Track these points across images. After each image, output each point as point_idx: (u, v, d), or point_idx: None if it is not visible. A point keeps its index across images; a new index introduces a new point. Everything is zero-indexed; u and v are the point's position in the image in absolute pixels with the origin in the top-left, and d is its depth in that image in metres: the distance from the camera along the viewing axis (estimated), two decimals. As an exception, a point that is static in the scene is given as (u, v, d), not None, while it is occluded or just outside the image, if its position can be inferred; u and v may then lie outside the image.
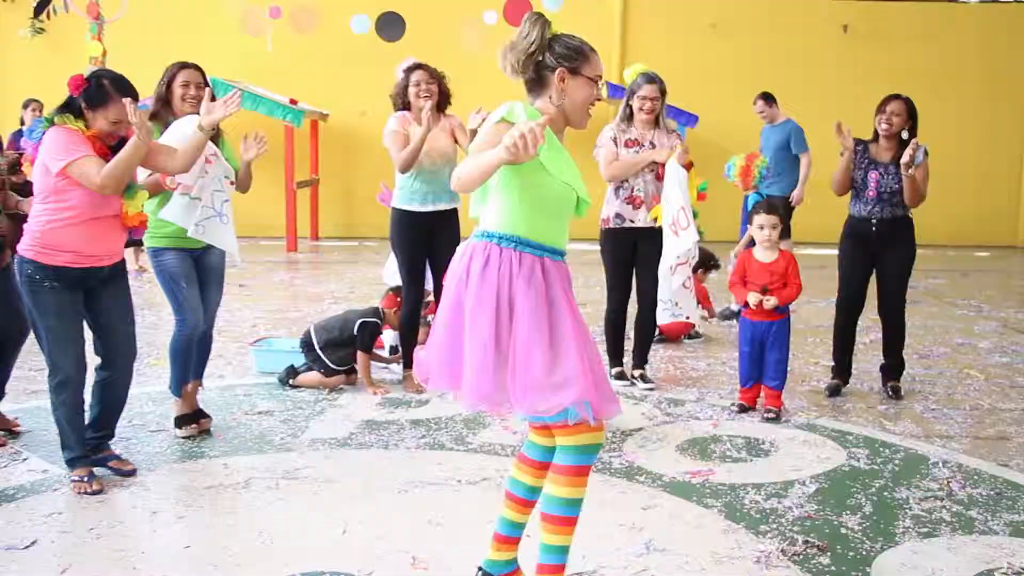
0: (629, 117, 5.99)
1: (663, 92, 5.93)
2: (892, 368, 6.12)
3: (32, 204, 4.25)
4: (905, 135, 5.79)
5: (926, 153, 5.71)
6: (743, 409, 5.64)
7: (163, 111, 4.90)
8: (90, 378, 4.40)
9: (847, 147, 5.80)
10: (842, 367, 6.13)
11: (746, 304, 5.54)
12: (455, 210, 5.96)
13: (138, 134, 3.98)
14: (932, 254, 13.83)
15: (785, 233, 9.81)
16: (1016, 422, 5.58)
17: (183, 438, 5.00)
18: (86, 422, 4.41)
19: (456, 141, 5.96)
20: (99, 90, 4.11)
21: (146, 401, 5.68)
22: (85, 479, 4.25)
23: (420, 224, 5.89)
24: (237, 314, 8.49)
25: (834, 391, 6.06)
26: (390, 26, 9.89)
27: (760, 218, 5.55)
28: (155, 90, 4.96)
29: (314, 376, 6.08)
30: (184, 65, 4.95)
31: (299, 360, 6.27)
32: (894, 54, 15.01)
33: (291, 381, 6.10)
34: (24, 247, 4.14)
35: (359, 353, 6.13)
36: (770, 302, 5.44)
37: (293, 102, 12.93)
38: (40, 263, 4.09)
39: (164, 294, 5.00)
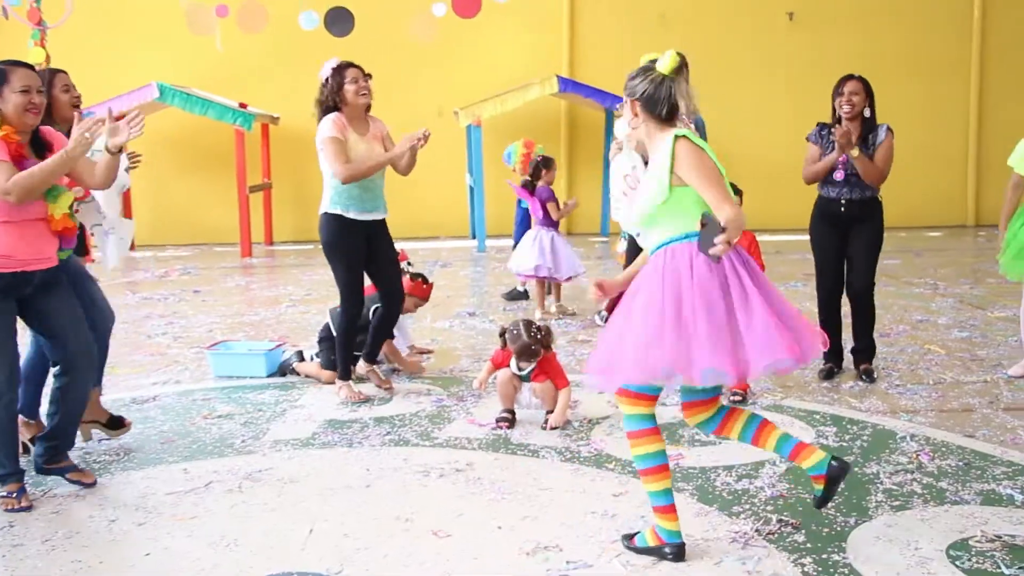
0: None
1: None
2: (863, 351, 6.04)
3: None
4: (867, 113, 5.73)
5: (890, 131, 5.73)
6: (709, 393, 5.58)
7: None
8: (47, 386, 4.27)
9: (854, 156, 5.63)
10: (833, 350, 6.00)
11: None
12: (385, 220, 5.78)
13: (74, 147, 3.86)
14: (886, 236, 13.92)
15: None
16: (979, 394, 5.58)
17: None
18: (44, 431, 4.28)
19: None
20: None
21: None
22: (14, 495, 4.07)
23: (359, 231, 5.64)
24: (193, 319, 8.32)
25: (828, 375, 5.96)
26: (339, 21, 9.74)
27: None
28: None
29: (311, 366, 6.09)
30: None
31: (257, 363, 6.15)
32: (839, 39, 15.09)
33: (293, 366, 6.10)
34: None
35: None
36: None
37: (243, 106, 12.74)
38: None
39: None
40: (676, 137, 3.40)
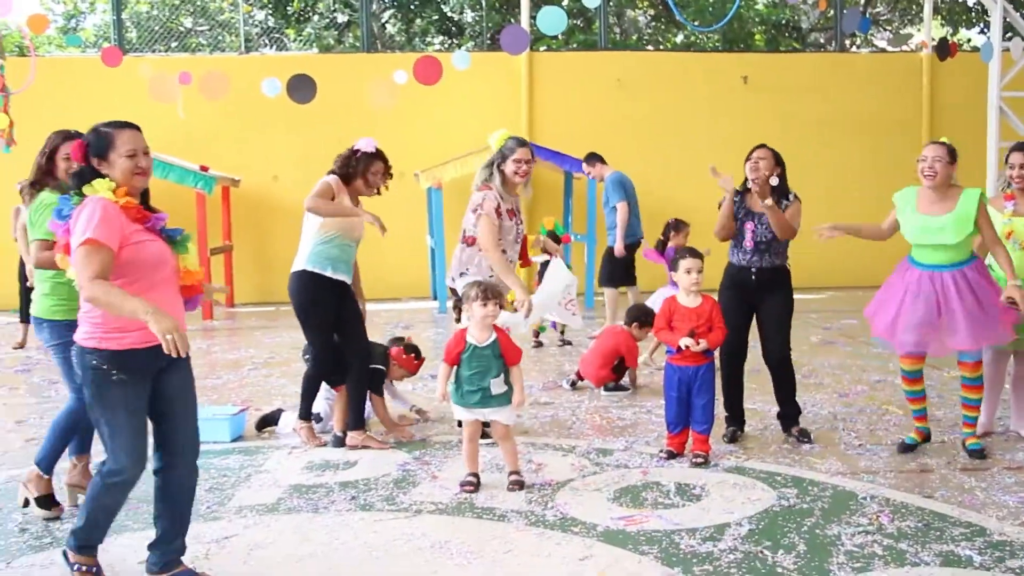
0: None
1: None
2: (789, 416, 6.08)
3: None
4: (775, 181, 5.80)
5: (797, 198, 5.84)
6: (671, 455, 5.63)
7: (44, 180, 4.84)
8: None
9: (726, 189, 5.78)
10: (735, 414, 6.10)
11: (679, 348, 5.55)
12: (348, 284, 5.96)
13: (155, 325, 3.38)
14: (844, 295, 14.16)
15: (624, 281, 10.06)
16: (936, 454, 5.68)
17: (48, 519, 4.76)
18: (156, 536, 3.95)
19: None
20: (99, 136, 3.71)
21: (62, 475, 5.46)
22: (93, 570, 3.90)
23: (331, 289, 5.83)
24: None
25: (732, 438, 6.01)
26: (301, 88, 9.83)
27: (687, 262, 5.60)
28: (36, 160, 4.88)
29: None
30: (67, 136, 4.86)
31: (219, 428, 6.14)
32: (790, 103, 15.46)
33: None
34: (83, 336, 3.66)
35: (373, 396, 6.22)
36: (702, 345, 5.48)
37: (204, 169, 12.76)
38: (105, 351, 3.61)
39: (63, 368, 4.76)
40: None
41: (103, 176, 3.68)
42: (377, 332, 6.01)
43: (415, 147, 14.01)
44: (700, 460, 5.51)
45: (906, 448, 5.71)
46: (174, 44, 16.82)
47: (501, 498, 4.97)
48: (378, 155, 5.88)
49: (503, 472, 5.27)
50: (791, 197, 5.86)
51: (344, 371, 5.97)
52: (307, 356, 6.32)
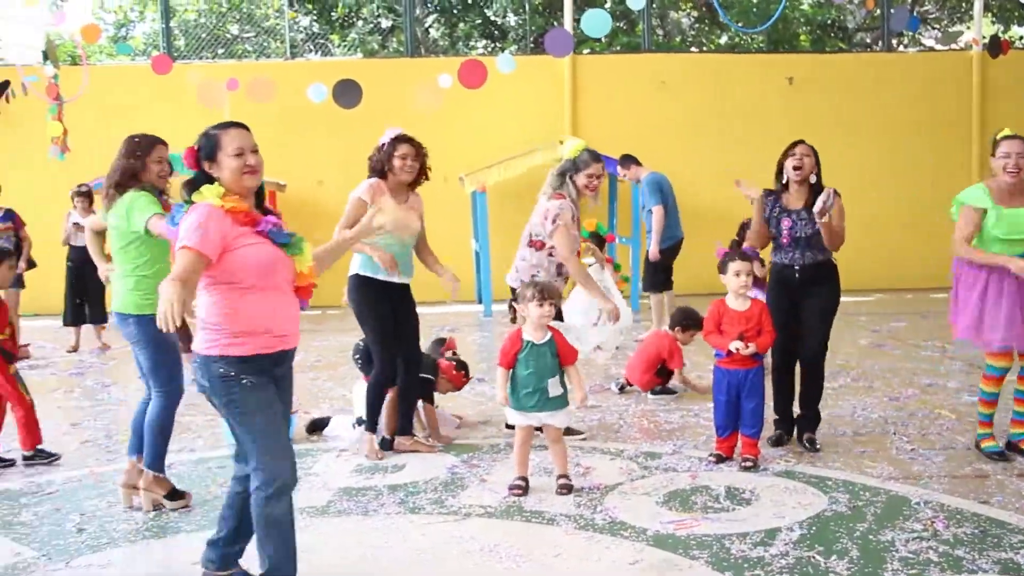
0: None
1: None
2: (809, 421, 5.96)
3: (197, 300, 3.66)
4: (813, 179, 5.77)
5: (837, 194, 5.63)
6: (720, 459, 5.60)
7: (130, 183, 4.92)
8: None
9: (752, 197, 5.74)
10: (785, 417, 6.01)
11: (728, 352, 5.50)
12: (408, 285, 5.94)
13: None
14: (891, 298, 14.01)
15: (665, 285, 9.97)
16: (992, 459, 5.58)
17: (174, 511, 4.94)
18: (217, 534, 3.87)
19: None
20: (207, 138, 3.66)
21: (117, 477, 5.54)
22: None
23: (383, 292, 5.80)
24: (204, 387, 8.33)
25: (778, 441, 5.92)
26: (347, 93, 9.91)
27: (736, 265, 5.54)
28: (121, 161, 4.95)
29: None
30: (159, 140, 5.04)
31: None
32: (836, 104, 15.32)
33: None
34: (204, 346, 3.55)
35: (423, 403, 6.27)
36: (750, 349, 5.44)
37: (251, 173, 12.88)
38: (231, 357, 3.52)
39: (157, 364, 4.92)
40: None
41: (214, 181, 3.63)
42: (422, 336, 6.01)
43: (459, 151, 14.06)
44: (749, 464, 5.47)
45: (999, 456, 5.57)
46: (221, 51, 17.00)
47: (550, 501, 4.97)
48: (402, 138, 5.78)
49: (551, 476, 5.26)
50: (833, 197, 5.73)
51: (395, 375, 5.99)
52: (357, 356, 6.35)
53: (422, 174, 5.86)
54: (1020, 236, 5.40)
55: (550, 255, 6.06)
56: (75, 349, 10.61)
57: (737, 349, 5.43)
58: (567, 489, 5.10)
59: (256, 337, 3.54)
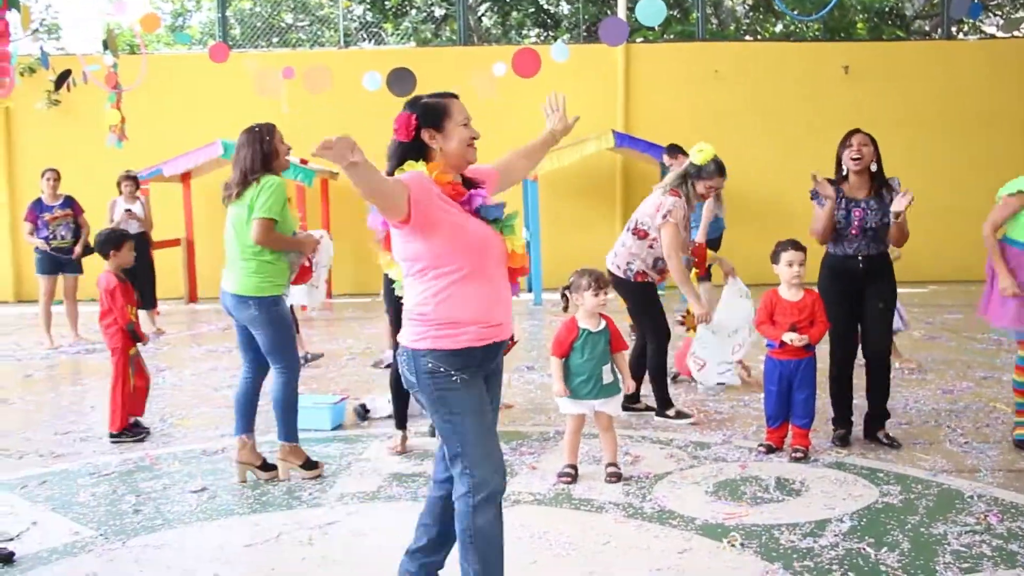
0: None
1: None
2: (879, 418, 5.84)
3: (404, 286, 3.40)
4: (874, 167, 5.66)
5: (905, 190, 5.54)
6: (770, 450, 5.57)
7: (263, 169, 5.15)
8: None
9: (829, 196, 5.58)
10: (845, 416, 5.85)
11: (781, 343, 5.46)
12: None
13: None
14: (946, 290, 13.80)
15: (703, 277, 9.88)
16: (1019, 448, 5.51)
17: (312, 479, 5.27)
18: (416, 543, 3.64)
19: None
20: (430, 106, 3.38)
21: (171, 461, 5.65)
22: None
23: None
24: (258, 372, 8.45)
25: (843, 440, 5.76)
26: (401, 82, 9.95)
27: (788, 255, 5.50)
28: (250, 148, 5.17)
29: None
30: (272, 126, 5.33)
31: (321, 416, 6.26)
32: (894, 93, 15.10)
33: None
34: (412, 338, 3.27)
35: None
36: (803, 340, 5.40)
37: (303, 162, 13.01)
38: (443, 351, 3.23)
39: (278, 343, 5.15)
40: None
41: (425, 153, 3.35)
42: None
43: (512, 139, 13.87)
44: (800, 455, 5.44)
45: (1021, 445, 5.54)
46: (275, 40, 17.16)
47: (599, 490, 4.97)
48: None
49: (600, 464, 5.28)
50: (897, 184, 5.64)
51: None
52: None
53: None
54: None
55: (650, 246, 6.26)
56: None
57: (792, 340, 5.39)
58: (616, 477, 5.10)
59: (468, 328, 3.24)
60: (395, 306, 5.16)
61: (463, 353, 3.23)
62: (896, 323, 6.65)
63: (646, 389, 6.56)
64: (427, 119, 3.33)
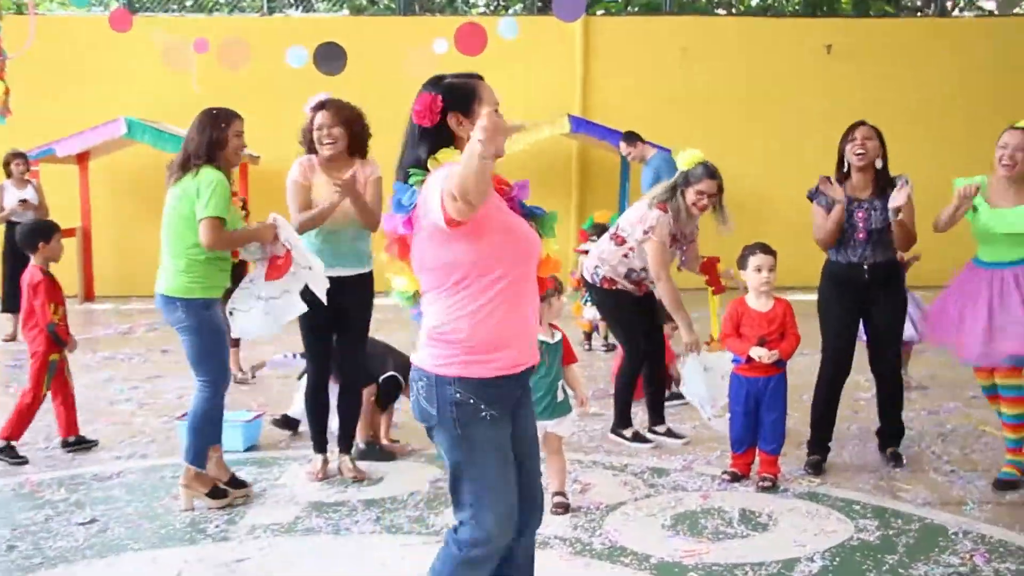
0: None
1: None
2: (892, 435, 6.00)
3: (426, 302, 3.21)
4: (880, 164, 5.69)
5: (908, 182, 5.54)
6: (735, 478, 5.60)
7: (207, 158, 5.10)
8: None
9: (839, 199, 5.60)
10: (822, 442, 5.90)
11: (748, 358, 5.47)
12: (363, 275, 5.60)
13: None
14: (931, 296, 13.96)
15: None
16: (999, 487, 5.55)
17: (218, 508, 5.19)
18: None
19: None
20: (457, 89, 3.15)
21: (56, 487, 5.55)
22: None
23: (335, 287, 5.36)
24: (160, 384, 8.36)
25: (817, 468, 5.79)
26: (330, 58, 9.89)
27: (757, 259, 5.50)
28: (200, 132, 5.13)
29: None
30: (240, 115, 5.30)
31: (234, 436, 6.18)
32: (881, 75, 15.23)
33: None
34: (437, 362, 3.10)
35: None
36: (773, 356, 5.42)
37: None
38: (474, 379, 3.06)
39: (203, 353, 5.11)
40: None
41: (451, 143, 3.13)
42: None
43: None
44: (768, 484, 5.48)
45: (1003, 485, 5.53)
46: (189, 3, 16.96)
47: (544, 522, 4.94)
48: (315, 108, 5.61)
49: (546, 492, 5.26)
50: (901, 182, 5.58)
51: (367, 375, 5.98)
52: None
53: (355, 142, 5.57)
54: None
55: (625, 255, 6.27)
56: (12, 338, 10.53)
57: (760, 357, 5.41)
58: (563, 508, 5.10)
59: (504, 351, 3.08)
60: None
61: (497, 383, 3.08)
62: (909, 333, 6.69)
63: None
64: (455, 102, 3.12)
